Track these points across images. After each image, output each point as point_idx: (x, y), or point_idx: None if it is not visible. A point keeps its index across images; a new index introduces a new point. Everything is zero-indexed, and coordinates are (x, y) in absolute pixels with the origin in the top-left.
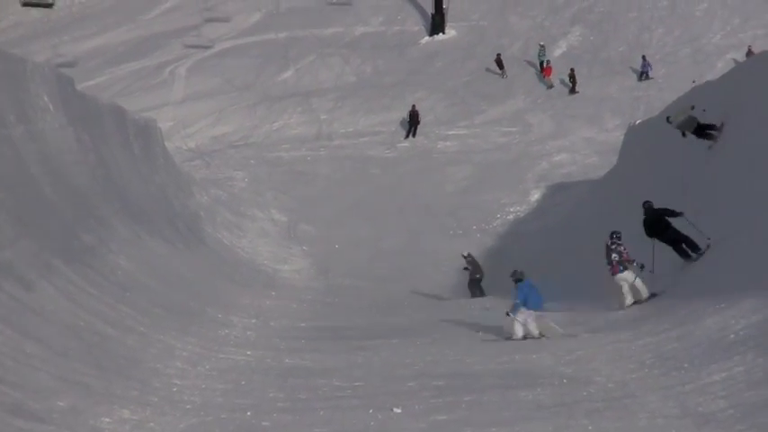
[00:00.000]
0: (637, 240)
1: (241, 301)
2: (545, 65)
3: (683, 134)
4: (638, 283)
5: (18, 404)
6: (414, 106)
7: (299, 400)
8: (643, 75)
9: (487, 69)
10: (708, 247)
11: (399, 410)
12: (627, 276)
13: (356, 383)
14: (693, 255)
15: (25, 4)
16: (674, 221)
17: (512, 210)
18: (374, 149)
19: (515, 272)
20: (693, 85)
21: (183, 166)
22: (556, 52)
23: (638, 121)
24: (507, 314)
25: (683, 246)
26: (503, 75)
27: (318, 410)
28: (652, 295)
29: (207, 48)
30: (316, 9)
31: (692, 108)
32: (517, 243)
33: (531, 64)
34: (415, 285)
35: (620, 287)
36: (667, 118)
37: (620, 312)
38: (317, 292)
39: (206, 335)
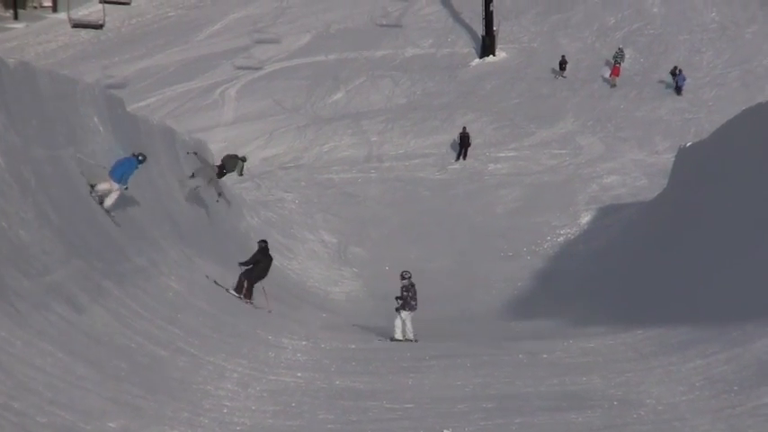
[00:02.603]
0: (687, 259)
1: (292, 323)
2: (617, 64)
3: None
4: (409, 325)
5: (69, 426)
6: (464, 128)
7: (349, 422)
8: (679, 89)
9: (552, 70)
10: None
11: None
12: (404, 315)
13: (406, 405)
14: None
15: (75, 26)
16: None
17: (562, 232)
18: (424, 171)
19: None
20: None
21: (234, 188)
22: (606, 73)
23: (688, 144)
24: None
25: None
26: (560, 75)
27: None
28: (415, 341)
29: (257, 69)
30: (366, 31)
31: None
32: (567, 265)
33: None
34: (464, 307)
35: (396, 321)
36: None
37: (669, 335)
38: (368, 313)
39: (256, 357)
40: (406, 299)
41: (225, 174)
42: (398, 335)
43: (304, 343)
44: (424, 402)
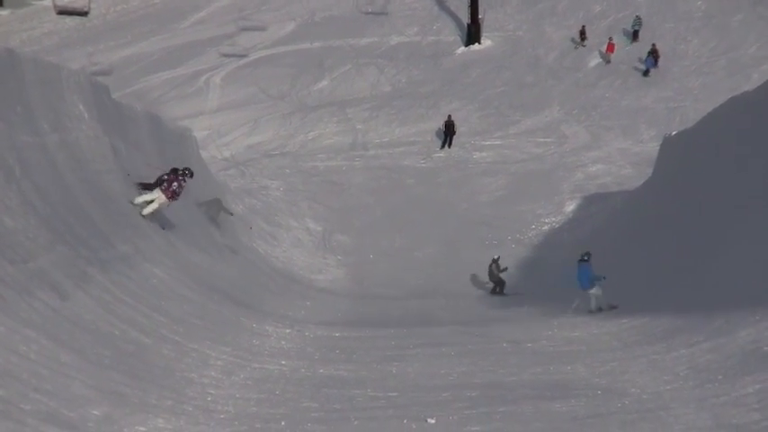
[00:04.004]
0: (671, 248)
1: (276, 310)
2: (611, 40)
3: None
4: (152, 208)
5: (53, 413)
6: (449, 116)
7: (333, 410)
8: (646, 72)
9: (572, 40)
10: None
11: (433, 421)
12: (157, 196)
13: (390, 394)
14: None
15: (60, 13)
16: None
17: (547, 220)
18: (409, 159)
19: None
20: None
21: (218, 175)
22: (592, 62)
23: (673, 133)
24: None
25: None
26: (581, 44)
27: (353, 421)
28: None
29: (242, 57)
30: (351, 18)
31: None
32: (552, 253)
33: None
34: (449, 295)
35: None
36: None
37: (653, 324)
38: (352, 301)
39: (241, 344)
40: (160, 179)
41: None
42: (138, 200)
43: (288, 331)
44: (408, 391)
